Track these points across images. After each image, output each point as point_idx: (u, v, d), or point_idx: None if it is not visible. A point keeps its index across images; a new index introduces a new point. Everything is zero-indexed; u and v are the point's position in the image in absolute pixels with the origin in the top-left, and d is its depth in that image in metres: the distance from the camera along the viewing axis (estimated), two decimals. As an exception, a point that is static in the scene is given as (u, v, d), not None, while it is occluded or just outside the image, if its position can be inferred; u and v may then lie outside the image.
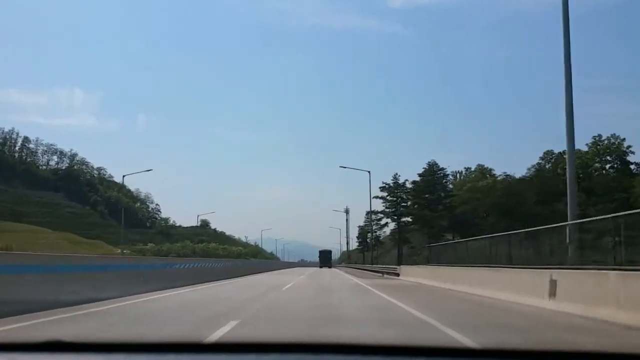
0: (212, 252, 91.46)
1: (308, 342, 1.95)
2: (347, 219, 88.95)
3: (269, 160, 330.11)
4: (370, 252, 78.16)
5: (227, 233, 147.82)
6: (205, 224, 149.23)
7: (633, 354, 1.83)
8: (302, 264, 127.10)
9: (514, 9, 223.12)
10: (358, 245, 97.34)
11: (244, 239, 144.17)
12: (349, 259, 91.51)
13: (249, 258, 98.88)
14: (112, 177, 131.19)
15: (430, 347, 1.95)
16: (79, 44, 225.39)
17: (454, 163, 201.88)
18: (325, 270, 53.21)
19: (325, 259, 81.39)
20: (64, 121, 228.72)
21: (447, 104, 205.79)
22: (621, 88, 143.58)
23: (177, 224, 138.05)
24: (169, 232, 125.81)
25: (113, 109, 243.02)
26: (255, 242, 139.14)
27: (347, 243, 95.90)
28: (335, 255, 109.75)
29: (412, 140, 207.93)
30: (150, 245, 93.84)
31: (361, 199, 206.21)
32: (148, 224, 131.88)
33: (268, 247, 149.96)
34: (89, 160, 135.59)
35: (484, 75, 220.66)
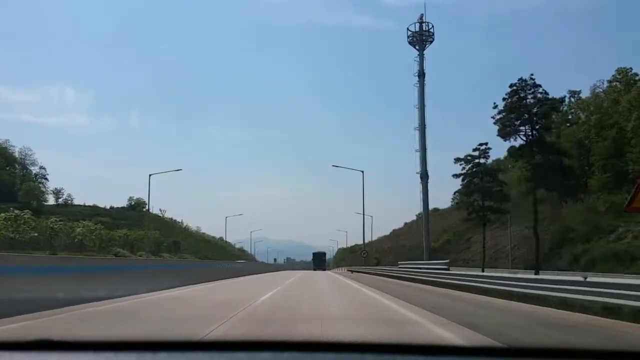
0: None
1: (300, 340, 1.94)
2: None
3: (263, 159, 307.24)
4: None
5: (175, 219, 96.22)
6: (139, 206, 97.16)
7: (633, 352, 1.82)
8: (290, 264, 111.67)
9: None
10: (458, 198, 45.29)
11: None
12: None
13: (144, 254, 46.61)
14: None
15: (422, 345, 1.94)
16: (70, 44, 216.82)
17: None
18: (319, 275, 39.49)
19: (319, 261, 78.90)
20: (55, 120, 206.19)
21: (443, 104, 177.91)
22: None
23: (79, 203, 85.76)
24: (54, 212, 73.83)
25: (105, 108, 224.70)
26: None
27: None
28: (330, 255, 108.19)
29: (403, 137, 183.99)
30: None
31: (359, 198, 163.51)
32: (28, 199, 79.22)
33: (258, 248, 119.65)
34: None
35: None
